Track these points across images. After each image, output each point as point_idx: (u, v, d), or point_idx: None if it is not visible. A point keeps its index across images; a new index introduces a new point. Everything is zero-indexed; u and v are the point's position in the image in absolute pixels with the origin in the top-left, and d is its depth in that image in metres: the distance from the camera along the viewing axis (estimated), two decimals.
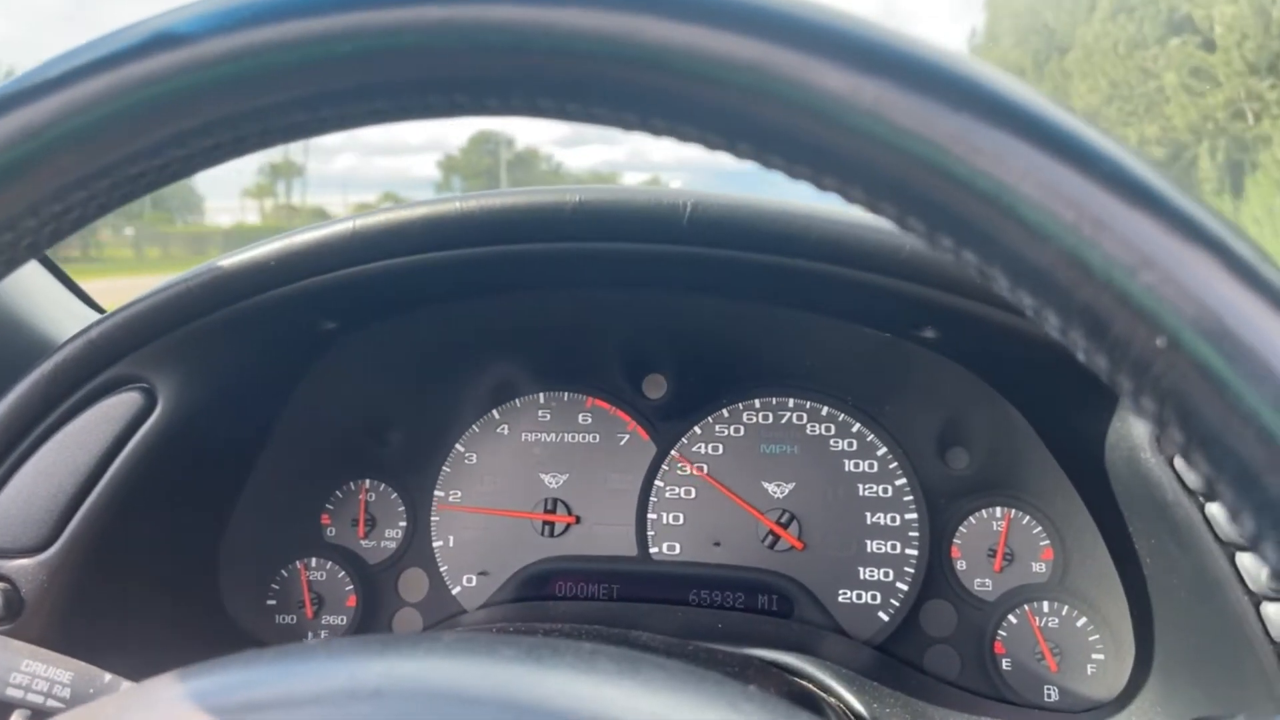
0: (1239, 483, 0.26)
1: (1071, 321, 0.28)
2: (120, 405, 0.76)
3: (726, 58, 0.28)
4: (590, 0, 0.29)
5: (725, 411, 0.96)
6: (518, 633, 0.66)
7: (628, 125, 0.32)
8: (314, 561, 0.99)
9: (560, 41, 0.29)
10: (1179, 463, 0.66)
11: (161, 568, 0.86)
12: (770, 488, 0.94)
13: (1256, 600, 0.64)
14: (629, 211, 0.69)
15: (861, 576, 0.91)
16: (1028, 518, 0.89)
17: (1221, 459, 0.26)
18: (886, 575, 0.91)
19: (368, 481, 1.01)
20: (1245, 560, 0.65)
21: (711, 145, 0.31)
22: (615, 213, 0.69)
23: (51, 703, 0.58)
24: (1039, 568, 0.89)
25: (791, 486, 0.94)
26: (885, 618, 0.90)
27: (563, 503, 0.98)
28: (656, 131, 0.32)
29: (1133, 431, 0.68)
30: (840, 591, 0.92)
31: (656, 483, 0.96)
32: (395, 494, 1.01)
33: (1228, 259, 0.26)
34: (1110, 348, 0.27)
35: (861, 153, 0.28)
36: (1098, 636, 0.85)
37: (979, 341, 0.76)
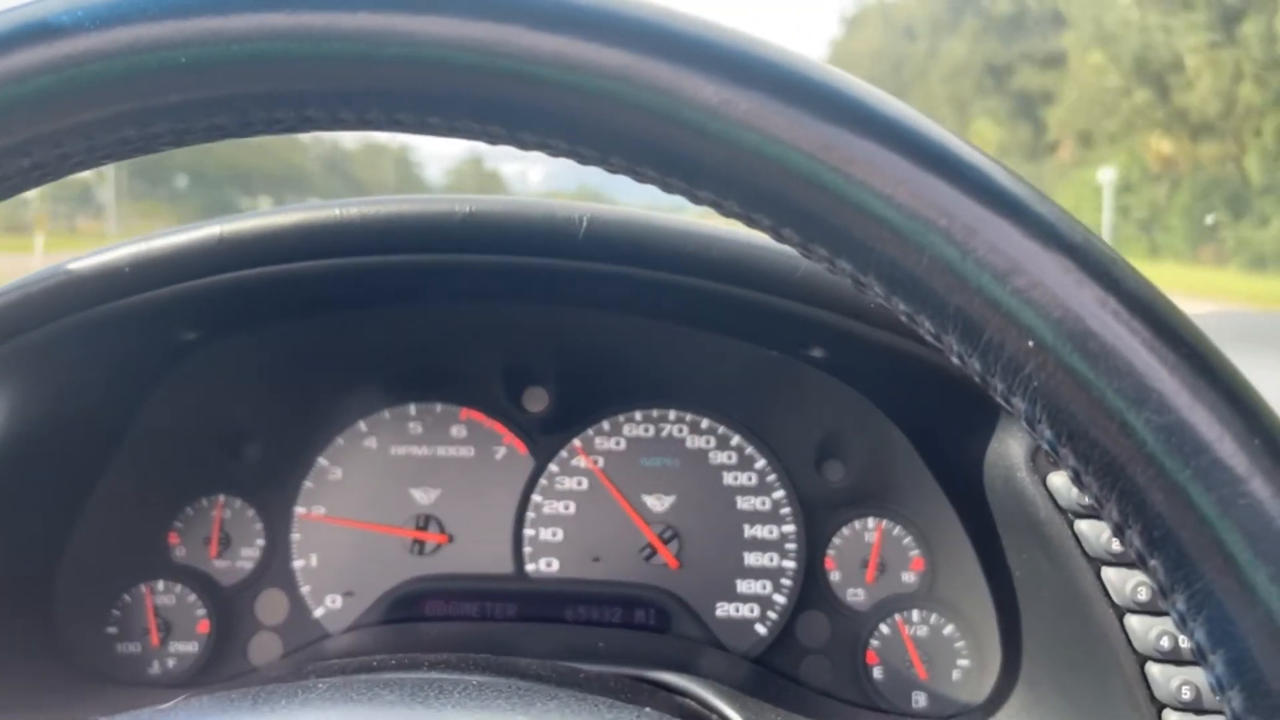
0: (1103, 474, 0.27)
1: (945, 327, 0.29)
2: None
3: (595, 71, 0.28)
4: (456, 10, 0.28)
5: (606, 424, 0.94)
6: (394, 668, 0.62)
7: (494, 139, 0.31)
8: (160, 585, 0.92)
9: (423, 53, 0.28)
10: (1052, 481, 0.69)
11: None
12: (651, 501, 0.93)
13: (1120, 613, 0.68)
14: (522, 224, 0.67)
15: (740, 590, 0.92)
16: (898, 528, 0.91)
17: (1088, 452, 0.27)
18: (764, 588, 0.92)
19: (222, 497, 0.94)
20: (1110, 574, 0.68)
21: (584, 159, 0.31)
22: (507, 225, 0.66)
23: None
24: (909, 577, 0.91)
25: (672, 500, 0.93)
26: (763, 630, 0.91)
27: (435, 519, 0.94)
28: (525, 145, 0.31)
29: (1010, 451, 0.71)
30: (719, 605, 0.92)
31: (534, 497, 0.94)
32: (252, 510, 0.94)
33: (1087, 263, 0.27)
34: (983, 351, 0.28)
35: (734, 164, 0.28)
36: (964, 644, 0.88)
37: (866, 362, 0.77)
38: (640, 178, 0.31)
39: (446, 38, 0.28)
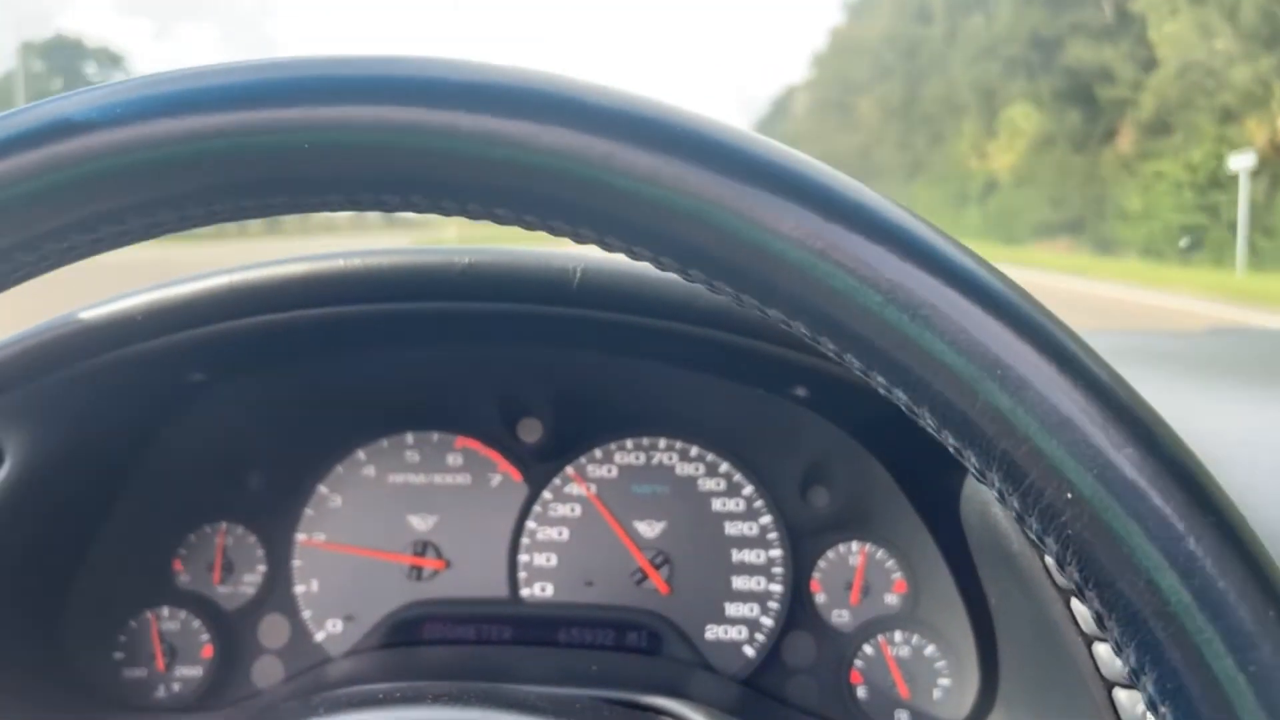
0: (1126, 623, 0.29)
1: (990, 465, 0.31)
2: None
3: (530, 148, 0.30)
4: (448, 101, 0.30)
5: (598, 452, 0.97)
6: (399, 701, 0.65)
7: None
8: (165, 610, 0.94)
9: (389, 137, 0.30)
10: None
11: (1, 624, 0.81)
12: (642, 526, 0.96)
13: (1089, 640, 0.71)
14: (518, 274, 0.70)
15: (728, 613, 0.95)
16: (881, 551, 0.95)
17: (1113, 601, 0.29)
18: (752, 610, 0.95)
19: (224, 524, 0.97)
20: (1079, 605, 0.71)
21: (553, 231, 0.33)
22: (504, 275, 0.69)
23: None
24: (892, 600, 0.94)
25: (663, 525, 0.96)
26: (751, 653, 0.94)
27: (432, 545, 0.97)
28: (472, 215, 0.33)
29: (985, 488, 0.74)
30: (708, 627, 0.95)
31: (529, 524, 0.97)
32: (254, 537, 0.97)
33: (1132, 425, 0.29)
34: (1024, 493, 0.30)
35: (807, 292, 0.30)
36: (945, 663, 0.91)
37: (847, 401, 0.81)
38: (608, 248, 0.33)
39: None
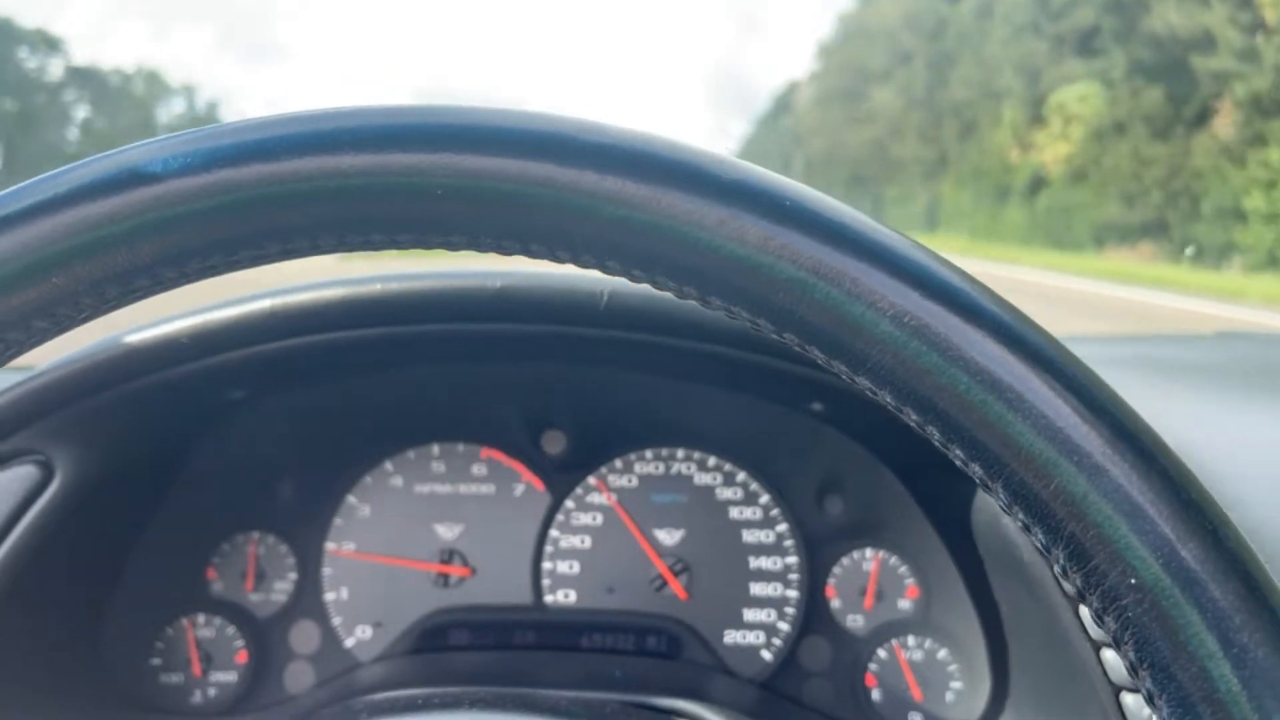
0: (1177, 706, 0.31)
1: (1057, 543, 0.32)
2: (16, 479, 0.74)
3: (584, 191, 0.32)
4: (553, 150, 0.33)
5: (619, 462, 1.00)
6: (437, 706, 0.68)
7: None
8: (201, 618, 0.97)
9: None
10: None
11: (45, 632, 0.84)
12: (661, 534, 0.99)
13: (1097, 646, 0.74)
14: (549, 298, 0.73)
15: (746, 618, 0.98)
16: (894, 558, 0.98)
17: (1165, 683, 0.31)
18: (769, 616, 0.98)
19: (257, 534, 1.00)
20: (1086, 612, 0.74)
21: (657, 286, 0.35)
22: (535, 299, 0.72)
23: None
24: (905, 605, 0.97)
25: (682, 534, 0.99)
26: (768, 656, 0.97)
27: (458, 553, 1.00)
28: (585, 266, 0.36)
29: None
30: (727, 632, 0.98)
31: (552, 532, 1.00)
32: (285, 546, 1.00)
33: (1196, 520, 0.31)
34: (1087, 574, 0.32)
35: (906, 370, 0.33)
36: (957, 667, 0.94)
37: (861, 416, 0.83)
38: (681, 295, 0.35)
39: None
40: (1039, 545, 0.33)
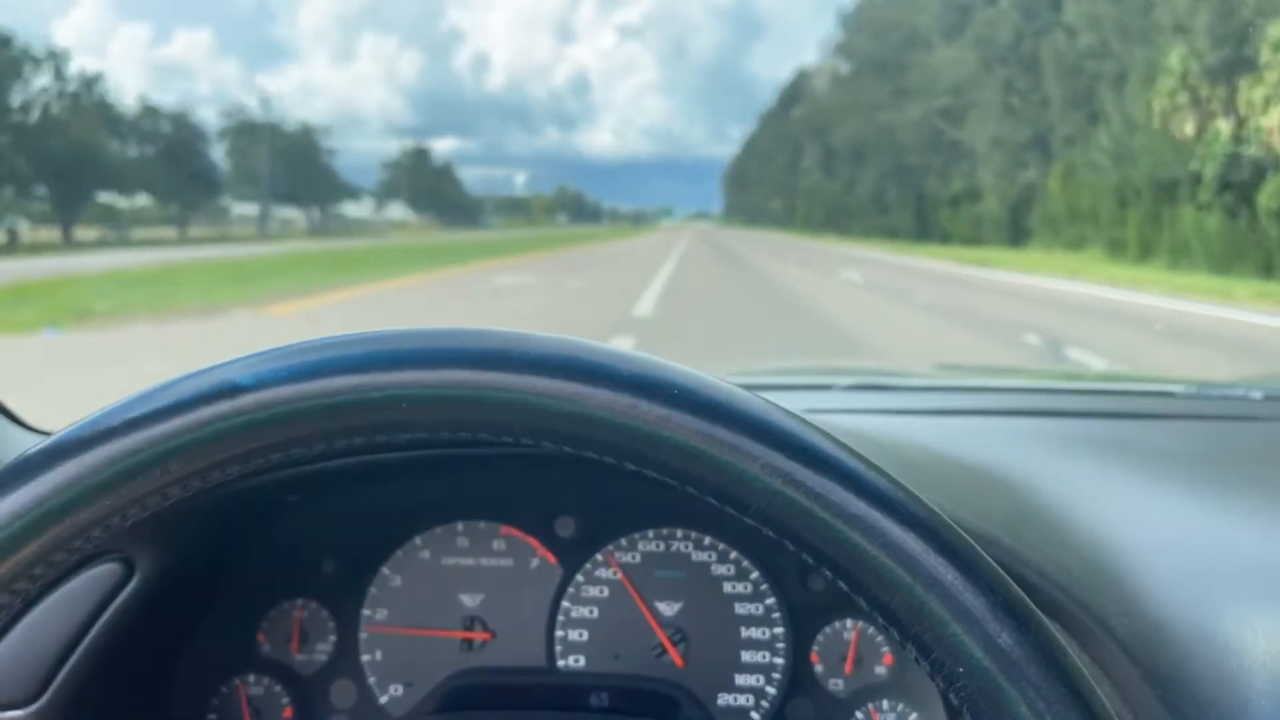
0: None
1: (906, 641, 0.45)
2: (102, 575, 0.86)
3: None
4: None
5: (624, 541, 1.11)
6: None
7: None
8: (251, 677, 1.10)
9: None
10: None
11: (120, 706, 0.96)
12: (662, 606, 1.10)
13: None
14: None
15: (737, 682, 1.09)
16: (871, 628, 1.08)
17: None
18: (758, 680, 1.09)
19: (301, 601, 1.12)
20: None
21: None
22: None
23: None
24: (881, 670, 1.08)
25: (680, 605, 1.10)
26: (758, 717, 1.08)
27: (480, 619, 1.12)
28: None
29: None
30: (720, 695, 1.09)
31: (564, 603, 1.11)
32: (326, 612, 1.12)
33: (1011, 614, 0.44)
34: (932, 664, 0.45)
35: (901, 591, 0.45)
36: None
37: None
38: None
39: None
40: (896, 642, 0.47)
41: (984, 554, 0.46)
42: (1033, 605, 0.46)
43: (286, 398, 0.47)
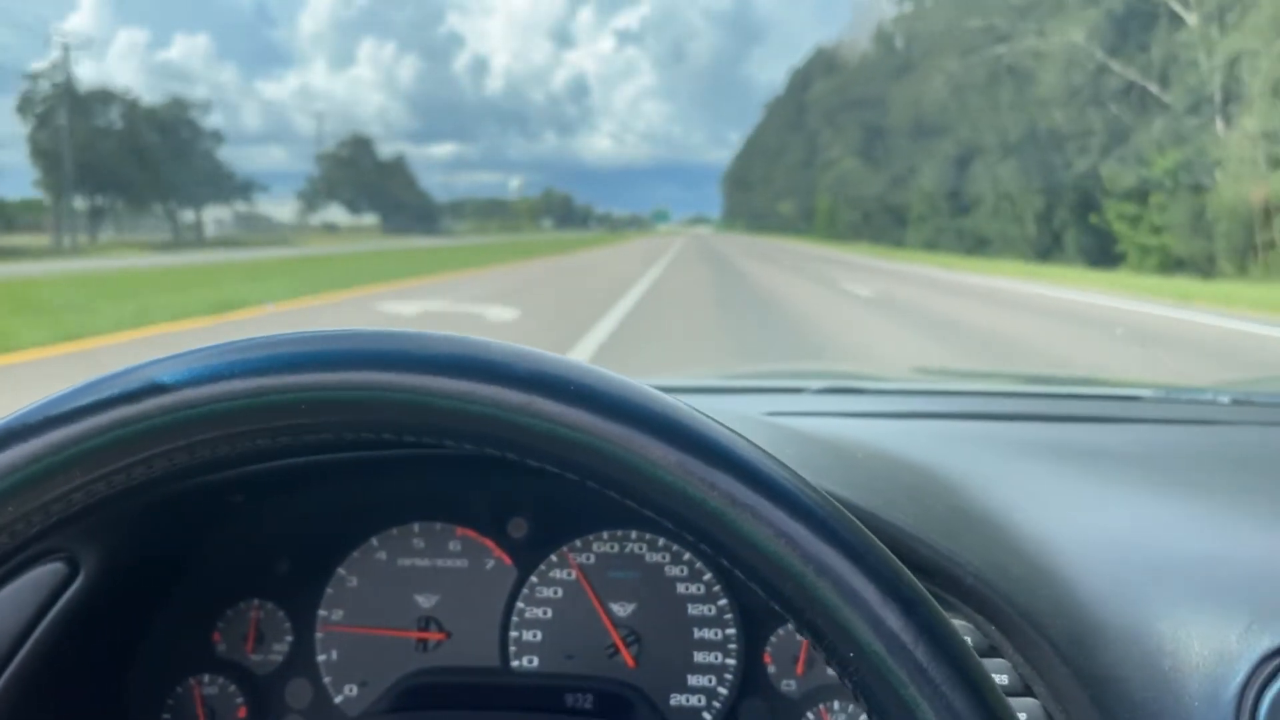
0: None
1: (802, 628, 0.49)
2: (45, 575, 0.86)
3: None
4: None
5: (579, 542, 1.12)
6: None
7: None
8: (206, 677, 1.10)
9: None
10: None
11: (71, 706, 0.96)
12: (616, 607, 1.11)
13: None
14: None
15: (690, 683, 1.09)
16: None
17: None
18: (710, 681, 1.09)
19: (257, 601, 1.12)
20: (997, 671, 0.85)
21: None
22: None
23: None
24: (832, 672, 1.09)
25: (634, 606, 1.11)
26: (709, 718, 1.09)
27: (435, 620, 1.12)
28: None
29: None
30: (672, 695, 1.09)
31: (518, 604, 1.12)
32: (282, 613, 1.12)
33: (898, 597, 0.47)
34: (826, 648, 0.48)
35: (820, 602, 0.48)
36: None
37: None
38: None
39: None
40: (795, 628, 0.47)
41: (877, 542, 0.47)
42: (923, 589, 0.47)
43: (188, 401, 0.48)
